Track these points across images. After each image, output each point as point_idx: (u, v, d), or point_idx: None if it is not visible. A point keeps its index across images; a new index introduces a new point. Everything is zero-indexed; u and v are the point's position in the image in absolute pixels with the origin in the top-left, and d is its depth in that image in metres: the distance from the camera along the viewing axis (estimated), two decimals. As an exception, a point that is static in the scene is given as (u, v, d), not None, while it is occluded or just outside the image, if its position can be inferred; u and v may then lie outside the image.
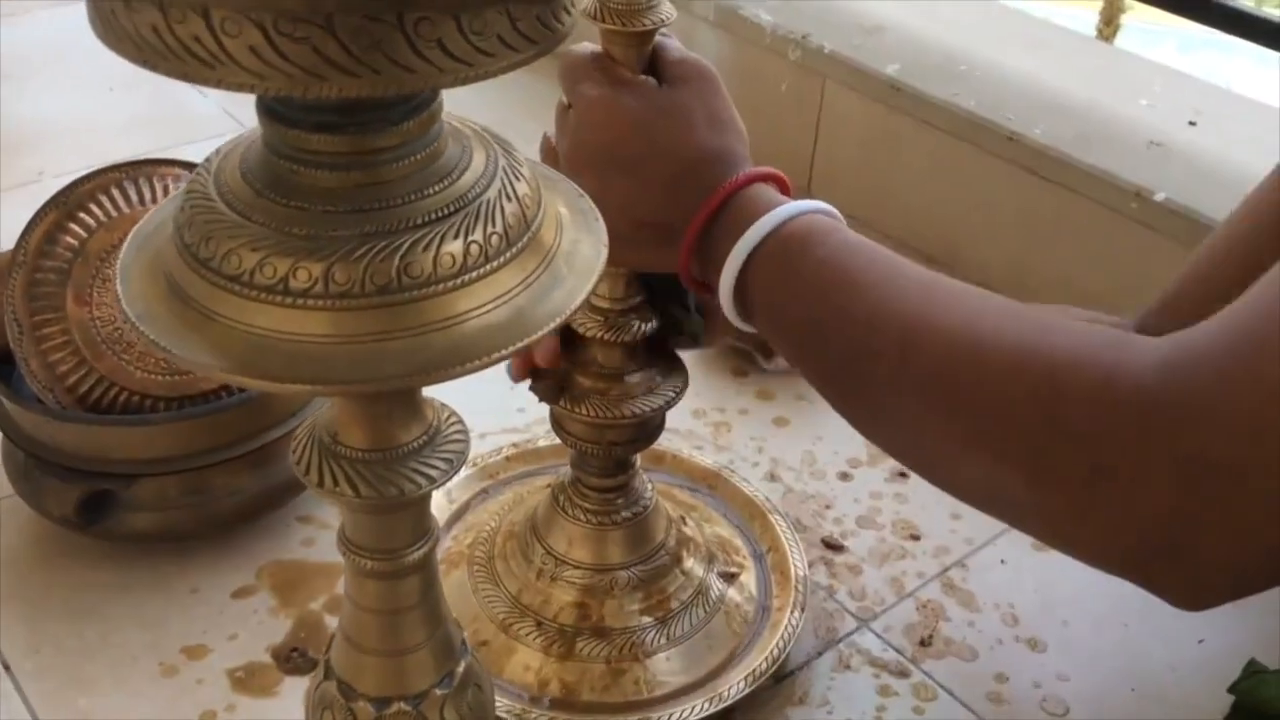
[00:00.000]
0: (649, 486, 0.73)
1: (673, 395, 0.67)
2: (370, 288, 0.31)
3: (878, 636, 0.76)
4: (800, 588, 0.74)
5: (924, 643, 0.75)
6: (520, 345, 0.33)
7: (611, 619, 0.70)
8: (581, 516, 0.71)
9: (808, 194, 1.21)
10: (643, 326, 0.65)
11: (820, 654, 0.74)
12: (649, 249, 0.57)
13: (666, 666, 0.69)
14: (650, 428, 0.69)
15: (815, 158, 1.20)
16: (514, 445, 0.86)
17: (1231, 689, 0.68)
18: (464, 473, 0.82)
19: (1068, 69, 1.13)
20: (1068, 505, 0.43)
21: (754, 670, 0.69)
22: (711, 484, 0.83)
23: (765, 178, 0.56)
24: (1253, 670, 0.69)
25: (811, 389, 0.56)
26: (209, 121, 1.26)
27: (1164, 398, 0.39)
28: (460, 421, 0.40)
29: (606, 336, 0.65)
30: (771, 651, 0.70)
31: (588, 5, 0.56)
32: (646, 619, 0.70)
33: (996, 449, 0.44)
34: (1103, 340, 0.43)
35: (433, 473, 0.38)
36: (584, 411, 0.66)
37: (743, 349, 0.95)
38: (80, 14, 1.22)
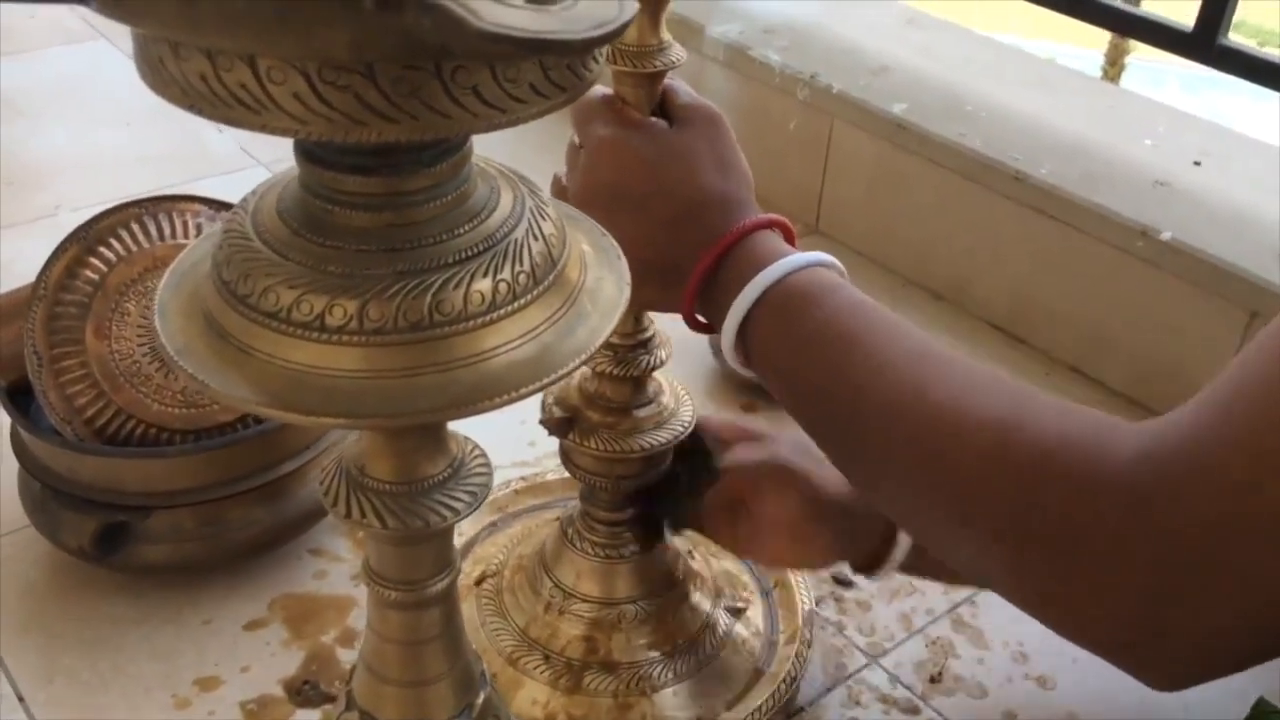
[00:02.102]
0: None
1: (681, 430, 0.68)
2: (403, 324, 0.32)
3: (887, 673, 0.76)
4: (807, 623, 0.75)
5: (934, 679, 0.75)
6: (546, 382, 0.34)
7: (619, 653, 0.70)
8: (590, 550, 0.71)
9: (816, 231, 1.23)
10: (651, 360, 0.66)
11: (830, 690, 0.74)
12: (654, 288, 0.58)
13: (673, 702, 0.70)
14: (659, 462, 0.70)
15: (823, 195, 1.22)
16: (523, 479, 0.86)
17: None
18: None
19: (1073, 109, 1.14)
20: (1045, 590, 0.44)
21: (760, 706, 0.69)
22: None
23: (770, 224, 0.57)
24: (1261, 709, 0.69)
25: None
26: (225, 158, 1.28)
27: (1141, 492, 0.40)
28: (483, 455, 0.41)
29: (616, 371, 0.65)
30: (779, 687, 0.71)
31: None
32: (654, 653, 0.71)
33: (979, 529, 0.45)
34: (1086, 425, 0.43)
35: (457, 505, 0.38)
36: (593, 445, 0.66)
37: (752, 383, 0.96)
38: (96, 51, 1.23)
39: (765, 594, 0.78)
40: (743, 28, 1.27)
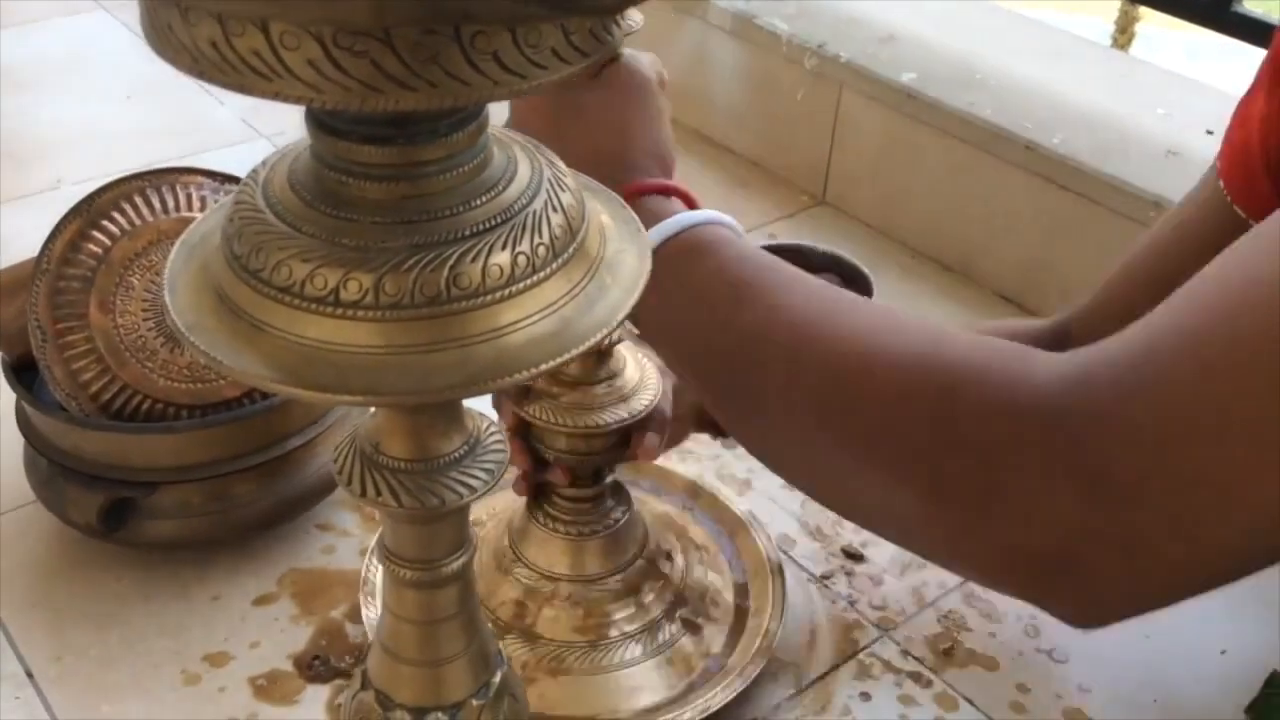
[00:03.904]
0: (617, 504, 0.72)
1: (645, 405, 0.66)
2: (420, 299, 0.32)
3: (899, 646, 0.75)
4: (761, 653, 0.71)
5: (945, 653, 0.75)
6: (567, 357, 0.33)
7: (543, 627, 0.69)
8: (550, 524, 0.71)
9: (823, 202, 1.21)
10: (611, 335, 0.64)
11: (841, 664, 0.74)
12: None
13: (571, 693, 0.68)
14: (623, 437, 0.68)
15: (831, 166, 1.20)
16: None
17: (1249, 709, 0.68)
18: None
19: (1084, 78, 1.13)
20: (964, 521, 0.41)
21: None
22: (733, 532, 0.80)
23: (665, 190, 0.54)
24: (1272, 685, 0.69)
25: None
26: (227, 130, 1.27)
27: (1066, 412, 0.38)
28: (499, 431, 0.40)
29: None
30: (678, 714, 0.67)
31: None
32: (577, 638, 0.69)
33: (890, 463, 0.43)
34: (1002, 352, 0.42)
35: (474, 483, 0.38)
36: (554, 420, 0.65)
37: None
38: (98, 23, 1.22)
39: (740, 616, 0.74)
40: (749, -4, 1.25)
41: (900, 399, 0.42)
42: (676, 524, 0.79)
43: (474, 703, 0.42)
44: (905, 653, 0.75)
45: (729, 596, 0.76)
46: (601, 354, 0.66)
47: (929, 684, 0.73)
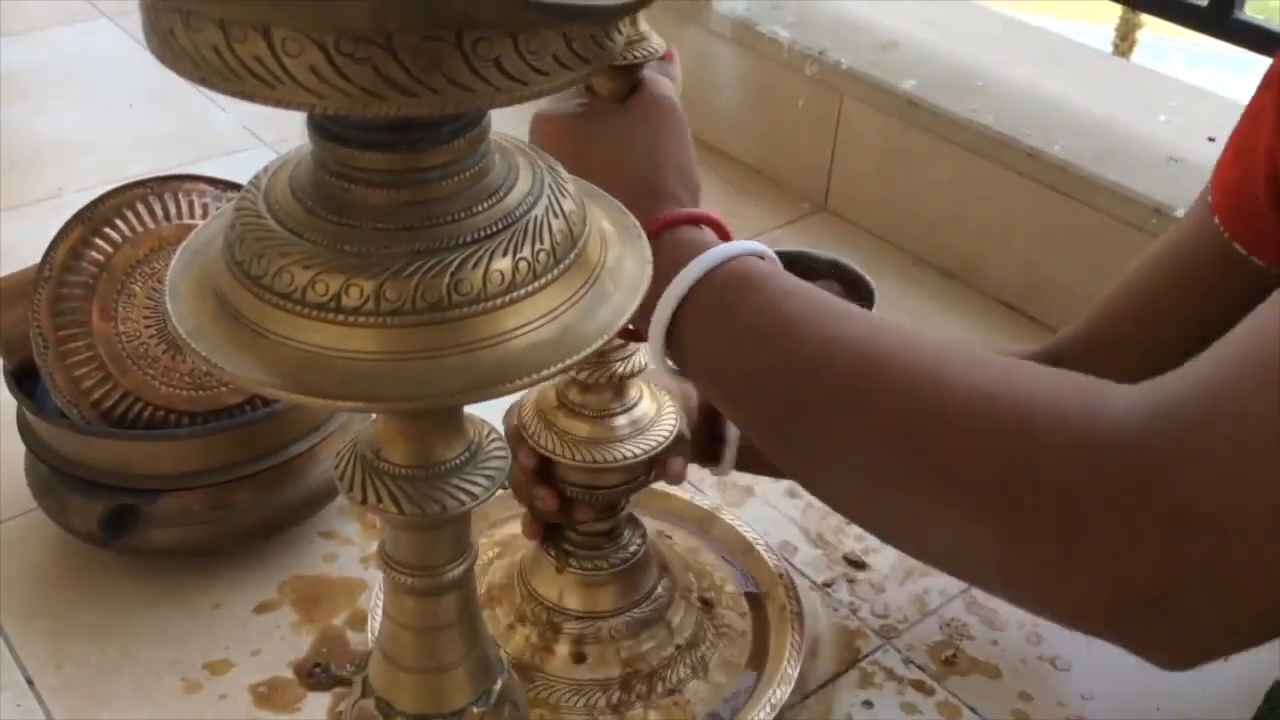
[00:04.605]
0: (632, 537, 0.70)
1: (662, 439, 0.64)
2: (421, 305, 0.32)
3: (901, 654, 0.75)
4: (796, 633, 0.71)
5: (948, 661, 0.75)
6: (568, 363, 0.33)
7: (555, 667, 0.68)
8: (555, 555, 0.69)
9: (825, 209, 1.21)
10: (629, 366, 0.63)
11: (843, 672, 0.74)
12: None
13: None
14: (638, 472, 0.66)
15: (832, 173, 1.20)
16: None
17: (1256, 719, 0.68)
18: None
19: (1086, 85, 1.13)
20: (1046, 562, 0.40)
21: None
22: (744, 553, 0.79)
23: (697, 220, 0.53)
24: (1276, 696, 0.69)
25: None
26: (229, 137, 1.27)
27: (1147, 447, 0.37)
28: (500, 438, 0.40)
29: (592, 378, 0.63)
30: None
31: None
32: (590, 678, 0.67)
33: (966, 504, 0.41)
34: (1077, 386, 0.41)
35: (475, 489, 0.38)
36: (569, 455, 0.63)
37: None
38: (100, 31, 1.22)
39: (756, 656, 0.73)
40: (750, 3, 1.25)
41: (977, 435, 0.41)
42: (689, 555, 0.77)
43: (475, 710, 0.42)
44: (907, 660, 0.75)
45: (747, 626, 0.74)
46: (618, 387, 0.64)
47: (931, 692, 0.73)
